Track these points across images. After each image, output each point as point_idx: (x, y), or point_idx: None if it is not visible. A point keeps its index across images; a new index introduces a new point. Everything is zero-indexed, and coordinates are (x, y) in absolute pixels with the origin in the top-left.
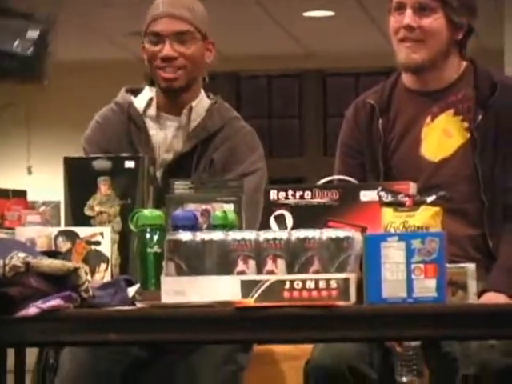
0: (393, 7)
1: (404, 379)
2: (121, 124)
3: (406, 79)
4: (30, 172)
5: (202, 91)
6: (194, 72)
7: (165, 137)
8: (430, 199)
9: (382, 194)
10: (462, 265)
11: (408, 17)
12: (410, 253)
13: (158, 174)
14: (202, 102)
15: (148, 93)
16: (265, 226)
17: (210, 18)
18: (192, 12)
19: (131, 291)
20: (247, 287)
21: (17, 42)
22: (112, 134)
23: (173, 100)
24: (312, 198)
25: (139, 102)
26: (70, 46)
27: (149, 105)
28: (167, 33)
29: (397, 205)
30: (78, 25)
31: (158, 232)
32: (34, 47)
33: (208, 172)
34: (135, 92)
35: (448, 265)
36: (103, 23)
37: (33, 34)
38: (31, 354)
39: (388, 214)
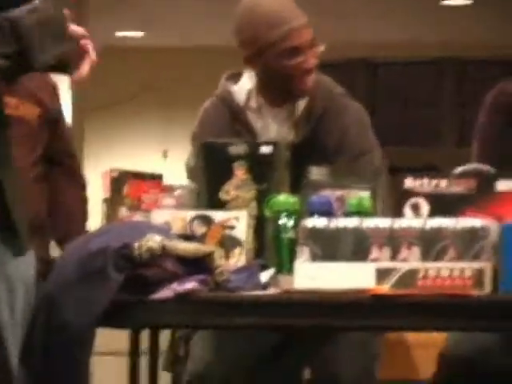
0: None
1: None
2: (223, 118)
3: None
4: (165, 156)
5: None
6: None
7: (271, 129)
8: None
9: None
10: None
11: None
12: None
13: None
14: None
15: (247, 82)
16: (400, 213)
17: (345, 4)
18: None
19: (265, 276)
20: (382, 274)
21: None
22: (215, 128)
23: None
24: (448, 186)
25: (239, 93)
26: (205, 30)
27: (249, 97)
28: None
29: None
30: (207, 10)
31: (293, 217)
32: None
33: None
34: (236, 77)
35: None
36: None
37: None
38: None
39: None
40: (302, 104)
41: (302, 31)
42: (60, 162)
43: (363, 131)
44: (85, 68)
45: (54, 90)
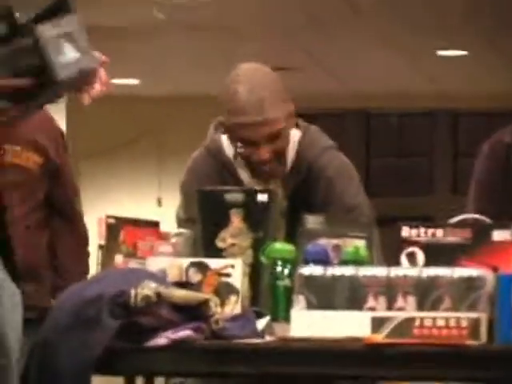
0: None
1: None
2: (211, 169)
3: None
4: (159, 203)
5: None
6: None
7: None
8: None
9: None
10: None
11: None
12: None
13: None
14: (291, 144)
15: None
16: (396, 262)
17: (339, 54)
18: None
19: (261, 324)
20: (377, 323)
21: None
22: (204, 179)
23: None
24: (444, 236)
25: (227, 144)
26: (199, 79)
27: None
28: None
29: None
30: (198, 62)
31: (288, 265)
32: None
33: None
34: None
35: None
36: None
37: None
38: None
39: None
40: (288, 158)
41: (259, 127)
42: (60, 210)
43: (348, 184)
44: (96, 89)
45: (60, 138)
